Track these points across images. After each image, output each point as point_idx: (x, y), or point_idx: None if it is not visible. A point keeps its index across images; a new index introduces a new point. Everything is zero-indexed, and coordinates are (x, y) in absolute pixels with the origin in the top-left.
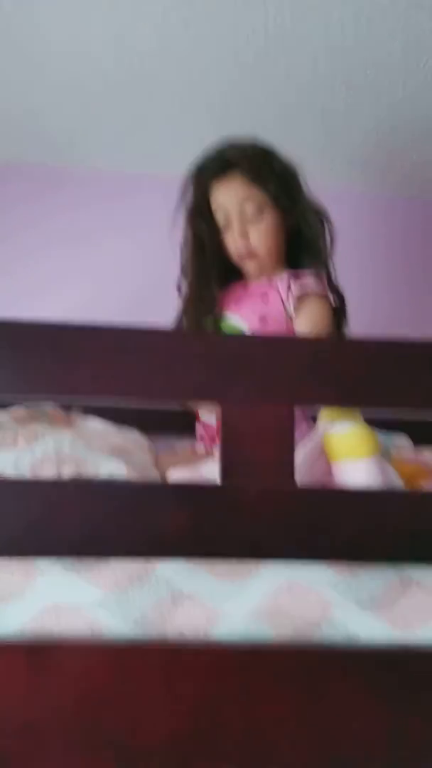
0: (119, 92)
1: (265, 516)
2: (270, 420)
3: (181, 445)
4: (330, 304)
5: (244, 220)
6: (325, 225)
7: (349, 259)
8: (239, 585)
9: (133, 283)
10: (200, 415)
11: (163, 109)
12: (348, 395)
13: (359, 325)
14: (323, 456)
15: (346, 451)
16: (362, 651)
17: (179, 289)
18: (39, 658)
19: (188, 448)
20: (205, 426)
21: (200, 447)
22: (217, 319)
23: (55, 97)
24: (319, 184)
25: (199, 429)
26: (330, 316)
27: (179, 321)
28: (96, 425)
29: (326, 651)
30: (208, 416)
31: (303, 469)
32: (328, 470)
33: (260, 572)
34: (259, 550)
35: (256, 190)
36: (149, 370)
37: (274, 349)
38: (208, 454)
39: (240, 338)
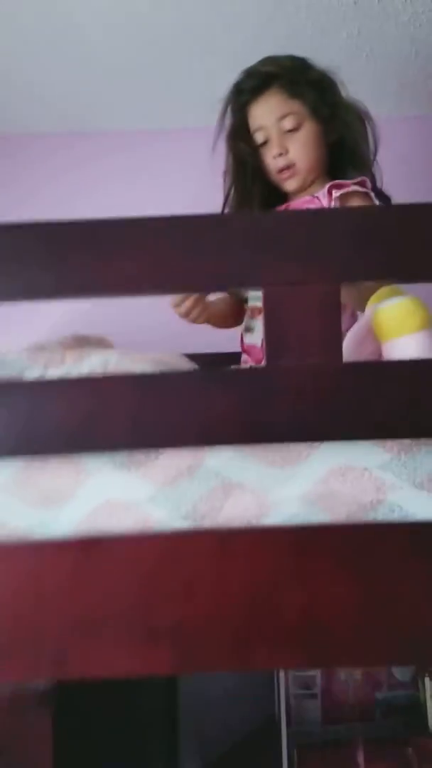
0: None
1: (312, 396)
2: (315, 298)
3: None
4: (373, 202)
5: (282, 134)
6: (368, 126)
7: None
8: (290, 471)
9: None
10: (244, 339)
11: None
12: (399, 268)
13: None
14: (371, 336)
15: (395, 327)
16: (421, 526)
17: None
18: (90, 552)
19: (234, 366)
20: (249, 350)
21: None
22: None
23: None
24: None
25: (243, 357)
26: None
27: None
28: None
29: (383, 527)
30: (251, 338)
31: (350, 351)
32: (377, 351)
33: (311, 457)
34: (309, 431)
35: (295, 103)
36: (189, 259)
37: (317, 223)
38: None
39: (280, 214)
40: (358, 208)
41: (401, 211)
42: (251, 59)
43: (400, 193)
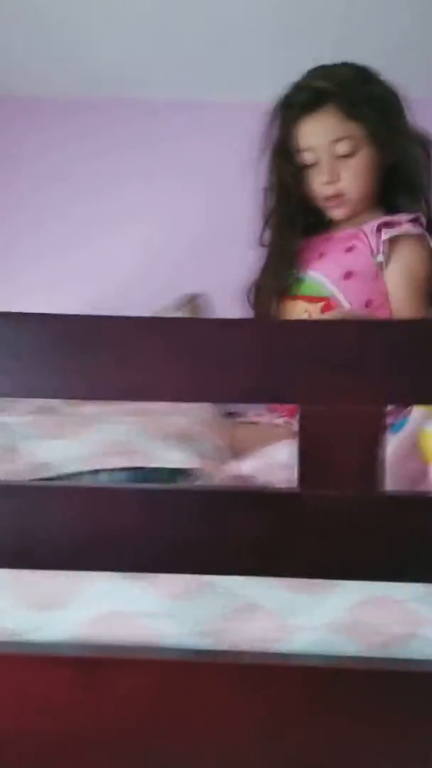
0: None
1: (347, 529)
2: (357, 421)
3: (258, 412)
4: (429, 245)
5: (334, 160)
6: (431, 153)
7: None
8: (316, 597)
9: (197, 226)
10: None
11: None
12: None
13: None
14: (415, 454)
15: None
16: None
17: (261, 241)
18: (90, 671)
19: (267, 420)
20: None
21: (278, 417)
22: (298, 276)
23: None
24: None
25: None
26: (428, 259)
27: (261, 277)
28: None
29: (415, 668)
30: None
31: (392, 466)
32: (421, 471)
33: (339, 585)
34: (339, 569)
35: (351, 126)
36: (206, 367)
37: (362, 336)
38: (287, 426)
39: (319, 325)
40: (406, 320)
41: None
42: (302, 40)
43: None
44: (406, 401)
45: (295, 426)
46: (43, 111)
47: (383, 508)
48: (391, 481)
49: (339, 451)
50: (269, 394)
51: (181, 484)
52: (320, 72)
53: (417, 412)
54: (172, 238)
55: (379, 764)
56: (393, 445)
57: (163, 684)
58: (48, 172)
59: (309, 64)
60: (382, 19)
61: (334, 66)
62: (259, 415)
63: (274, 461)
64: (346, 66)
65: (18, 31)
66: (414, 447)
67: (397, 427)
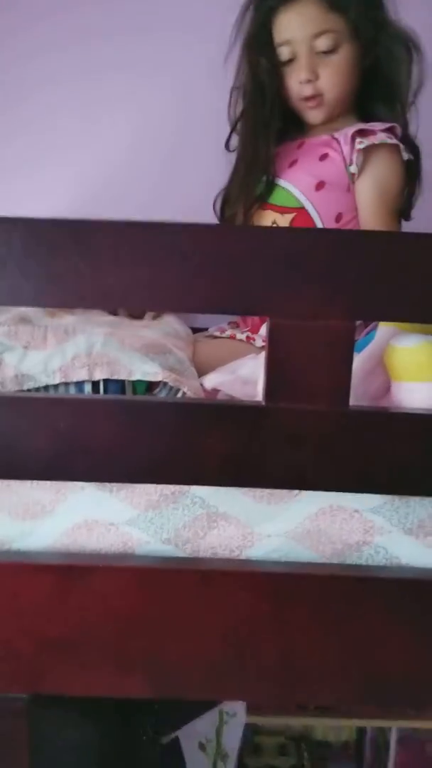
0: None
1: (312, 442)
2: (326, 336)
3: (220, 327)
4: (402, 157)
5: (313, 55)
6: (414, 56)
7: None
8: (278, 507)
9: (172, 120)
10: None
11: None
12: (427, 310)
13: None
14: (380, 369)
15: (410, 372)
16: (402, 575)
17: (228, 146)
18: (70, 578)
19: (228, 333)
20: None
21: (241, 332)
22: (272, 183)
23: None
24: None
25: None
26: (401, 173)
27: (230, 184)
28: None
29: (363, 574)
30: None
31: (358, 380)
32: (386, 383)
33: (301, 495)
34: (305, 480)
35: (334, 19)
36: (185, 274)
37: (336, 247)
38: (249, 341)
39: (291, 232)
40: (383, 234)
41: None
42: None
43: None
44: (376, 317)
45: (258, 342)
46: None
47: (347, 422)
48: (354, 397)
49: (306, 366)
50: (242, 306)
51: (156, 397)
52: None
53: (383, 328)
54: (145, 133)
55: (343, 661)
56: (357, 361)
57: (138, 589)
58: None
59: None
60: None
61: None
62: (221, 330)
63: (237, 376)
64: None
65: None
66: (378, 363)
67: (360, 345)
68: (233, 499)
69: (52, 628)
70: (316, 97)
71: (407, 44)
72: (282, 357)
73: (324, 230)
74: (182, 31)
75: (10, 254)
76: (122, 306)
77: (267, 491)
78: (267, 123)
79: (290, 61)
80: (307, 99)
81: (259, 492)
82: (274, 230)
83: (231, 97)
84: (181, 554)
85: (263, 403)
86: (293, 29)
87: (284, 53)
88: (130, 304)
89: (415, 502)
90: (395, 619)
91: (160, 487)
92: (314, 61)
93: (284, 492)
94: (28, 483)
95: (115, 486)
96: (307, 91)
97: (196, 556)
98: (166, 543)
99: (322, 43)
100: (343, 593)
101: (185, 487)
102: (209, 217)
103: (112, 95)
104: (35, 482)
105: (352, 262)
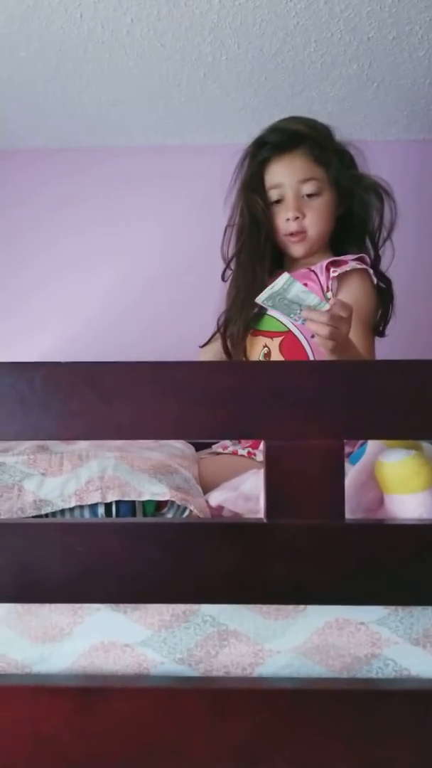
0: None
1: (312, 556)
2: (318, 454)
3: (222, 444)
4: (372, 280)
5: (300, 198)
6: (385, 203)
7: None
8: (285, 622)
9: (163, 261)
10: None
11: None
12: (408, 427)
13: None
14: (373, 482)
15: (399, 484)
16: (414, 687)
17: (224, 277)
18: (88, 701)
19: (230, 449)
20: None
21: (242, 448)
22: (261, 313)
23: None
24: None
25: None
26: (372, 294)
27: (229, 308)
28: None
29: (376, 687)
30: None
31: (350, 495)
32: (378, 496)
33: (307, 609)
34: (308, 594)
35: (319, 169)
36: (186, 407)
37: (320, 376)
38: (250, 456)
39: (281, 365)
40: (363, 363)
41: (406, 367)
42: (257, 87)
43: (410, 217)
44: (361, 437)
45: (259, 456)
46: (11, 161)
47: (345, 535)
48: (350, 509)
49: (302, 483)
50: (238, 431)
51: (163, 518)
52: (294, 119)
53: (371, 444)
54: (135, 276)
55: None
56: (350, 475)
57: (153, 710)
58: (18, 220)
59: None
60: (331, 67)
61: (306, 117)
62: (224, 446)
63: (240, 493)
64: (313, 119)
65: None
66: (370, 477)
67: (354, 457)
68: (242, 615)
69: (71, 752)
70: (301, 233)
71: (378, 192)
72: (279, 475)
73: (306, 362)
74: (170, 185)
75: (33, 394)
76: (132, 437)
77: (274, 607)
78: (263, 254)
79: (278, 201)
80: (292, 234)
81: (266, 607)
82: (263, 364)
83: (225, 234)
84: (194, 674)
85: (264, 520)
86: (285, 174)
87: (274, 195)
88: (139, 435)
89: (418, 611)
90: (408, 732)
91: (171, 606)
92: (300, 203)
93: (290, 606)
94: (46, 606)
95: (129, 607)
96: (293, 227)
97: (209, 675)
98: (179, 663)
99: (308, 187)
100: (355, 708)
101: (195, 606)
102: (200, 341)
103: (108, 245)
104: (53, 605)
105: (334, 389)
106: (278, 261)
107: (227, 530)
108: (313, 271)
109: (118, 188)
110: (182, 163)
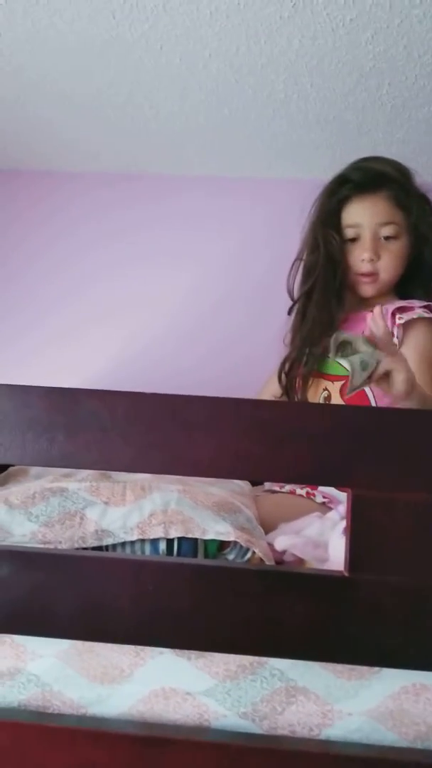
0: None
1: (396, 617)
2: (408, 508)
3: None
4: None
5: (377, 240)
6: None
7: None
8: (359, 683)
9: (225, 289)
10: None
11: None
12: None
13: None
14: None
15: None
16: None
17: (290, 311)
18: (147, 751)
19: (287, 488)
20: None
21: (300, 488)
22: (324, 355)
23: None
24: None
25: None
26: None
27: (299, 347)
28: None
29: None
30: None
31: None
32: None
33: (382, 672)
34: (388, 657)
35: (399, 214)
36: (271, 448)
37: (411, 424)
38: (309, 497)
39: (371, 411)
40: None
41: None
42: (324, 125)
43: None
44: None
45: (318, 498)
46: (77, 184)
47: (428, 597)
48: None
49: (389, 538)
50: (325, 479)
51: (239, 563)
52: (378, 159)
53: None
54: (169, 321)
55: None
56: None
57: (215, 766)
58: (48, 263)
59: (329, 148)
60: (401, 109)
61: (390, 159)
62: (281, 486)
63: (308, 539)
64: (398, 162)
65: (23, 111)
66: None
67: None
68: (312, 672)
69: None
70: (374, 275)
71: None
72: (365, 528)
73: (402, 410)
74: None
75: (114, 423)
76: (210, 476)
77: (348, 666)
78: (337, 292)
79: (353, 240)
80: (365, 275)
81: (339, 666)
82: (355, 409)
83: (292, 267)
84: (258, 730)
85: (346, 574)
86: (365, 215)
87: (350, 233)
88: (218, 473)
89: None
90: None
91: (238, 656)
92: (378, 245)
93: (365, 668)
94: (108, 645)
95: (193, 653)
96: (367, 268)
97: (273, 733)
98: (243, 717)
99: (387, 230)
100: None
101: (264, 658)
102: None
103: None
104: (115, 645)
105: (425, 439)
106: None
107: (308, 581)
108: None
109: (177, 219)
110: (239, 197)
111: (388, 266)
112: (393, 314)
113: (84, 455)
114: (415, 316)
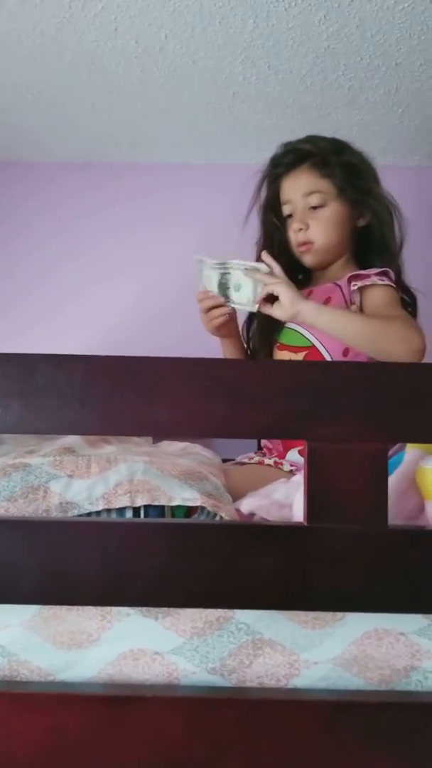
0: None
1: (354, 562)
2: (361, 458)
3: (246, 451)
4: (395, 291)
5: (305, 210)
6: (395, 220)
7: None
8: (323, 632)
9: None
10: None
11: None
12: None
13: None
14: (413, 488)
15: None
16: None
17: None
18: (116, 711)
19: (255, 459)
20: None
21: (268, 458)
22: (283, 326)
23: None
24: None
25: (264, 441)
26: (397, 302)
27: (255, 326)
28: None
29: (414, 700)
30: None
31: (391, 502)
32: (419, 505)
33: (346, 618)
34: (349, 601)
35: (323, 182)
36: (230, 406)
37: (364, 378)
38: (277, 466)
39: (325, 366)
40: (406, 364)
41: None
42: (284, 109)
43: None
44: (405, 440)
45: (286, 466)
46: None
47: (388, 541)
48: (390, 517)
49: (344, 487)
50: (282, 433)
51: (202, 520)
52: (306, 138)
53: (411, 450)
54: (163, 285)
55: None
56: (390, 482)
57: (184, 721)
58: (46, 231)
59: (292, 132)
60: (358, 91)
61: (318, 136)
62: (249, 457)
63: (273, 500)
64: (327, 138)
65: (22, 102)
66: (411, 484)
67: (392, 463)
68: (278, 624)
69: (97, 765)
70: (308, 243)
71: (388, 208)
72: (321, 478)
73: (354, 363)
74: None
75: (72, 389)
76: (172, 436)
77: (311, 615)
78: (295, 268)
79: (290, 215)
80: (300, 245)
81: (303, 616)
82: (307, 363)
83: (256, 249)
84: (226, 684)
85: (305, 524)
86: (292, 190)
87: (286, 210)
88: (180, 433)
89: None
90: None
91: (204, 613)
92: (306, 215)
93: (328, 616)
94: (74, 610)
95: (160, 613)
96: (300, 237)
97: (242, 685)
98: (211, 673)
99: (312, 200)
100: (394, 721)
101: (230, 613)
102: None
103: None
104: (81, 610)
105: (381, 391)
106: (309, 277)
107: (267, 533)
108: (338, 285)
109: (141, 204)
110: (206, 182)
111: (317, 233)
112: (349, 281)
113: (41, 421)
114: (368, 283)
